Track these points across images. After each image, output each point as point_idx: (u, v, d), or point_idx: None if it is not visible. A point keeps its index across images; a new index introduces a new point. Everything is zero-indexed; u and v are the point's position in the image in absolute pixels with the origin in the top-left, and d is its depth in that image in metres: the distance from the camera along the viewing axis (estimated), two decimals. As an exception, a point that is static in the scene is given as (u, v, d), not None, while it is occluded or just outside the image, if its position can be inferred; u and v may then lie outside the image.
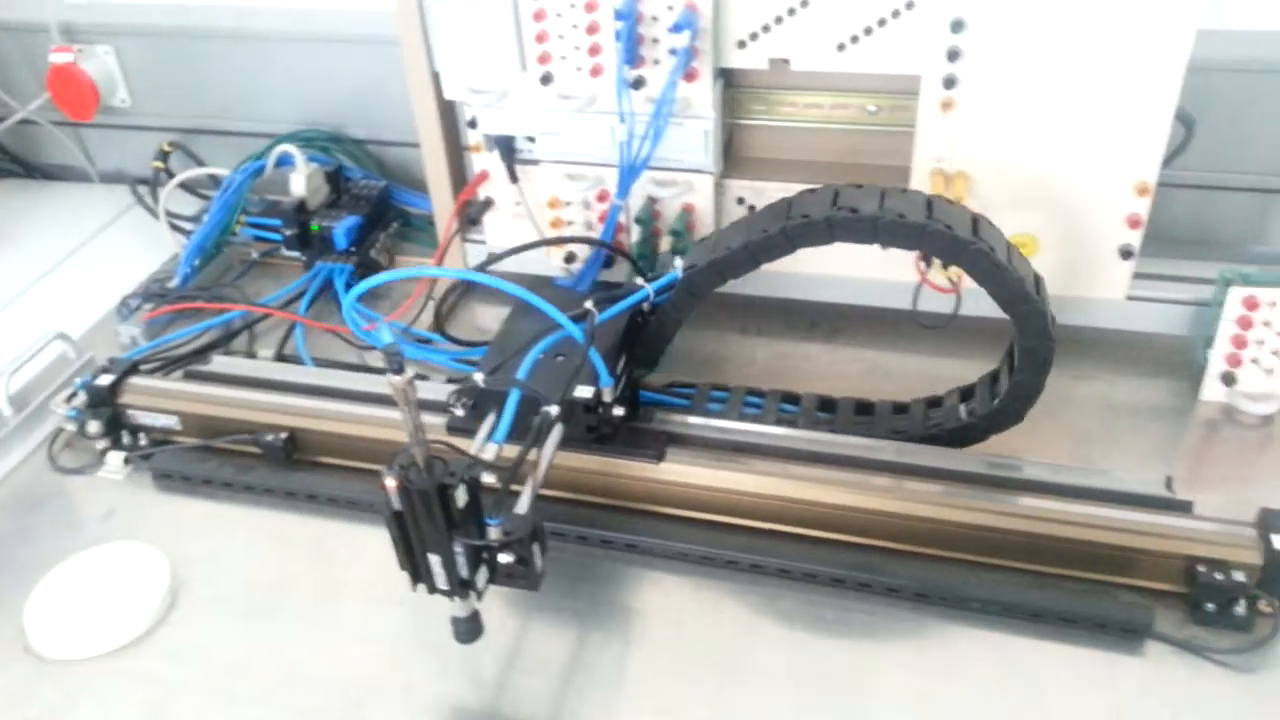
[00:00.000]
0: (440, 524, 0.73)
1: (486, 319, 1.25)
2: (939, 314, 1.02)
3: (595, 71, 1.04)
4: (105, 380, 1.04)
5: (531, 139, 1.12)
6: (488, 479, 0.76)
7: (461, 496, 0.73)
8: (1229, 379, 1.00)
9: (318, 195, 1.27)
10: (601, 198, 1.11)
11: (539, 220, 1.15)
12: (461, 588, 0.76)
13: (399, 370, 0.67)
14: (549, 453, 0.85)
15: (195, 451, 1.03)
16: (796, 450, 0.93)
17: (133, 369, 1.07)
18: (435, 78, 1.11)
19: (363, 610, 0.88)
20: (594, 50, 1.02)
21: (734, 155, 1.13)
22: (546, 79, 1.05)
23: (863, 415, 1.00)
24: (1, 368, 1.08)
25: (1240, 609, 0.80)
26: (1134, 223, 0.99)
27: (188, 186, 1.40)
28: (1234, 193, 1.19)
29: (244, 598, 0.90)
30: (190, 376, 1.09)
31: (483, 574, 0.76)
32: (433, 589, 0.77)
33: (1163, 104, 0.93)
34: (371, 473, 0.97)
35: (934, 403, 0.99)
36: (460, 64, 1.07)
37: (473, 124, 1.12)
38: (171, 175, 1.39)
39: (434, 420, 0.93)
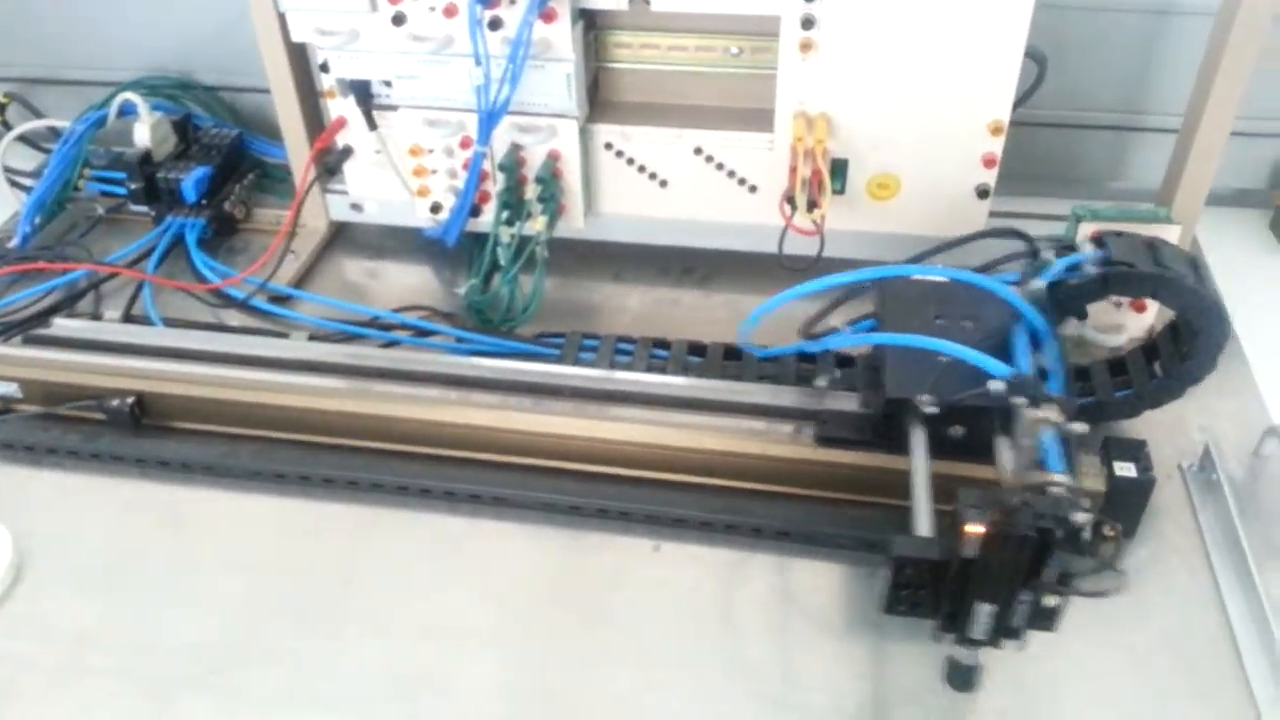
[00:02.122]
0: (1023, 571, 0.65)
1: (354, 273, 1.21)
2: (804, 256, 1.03)
3: (449, 11, 1.00)
4: (-63, 348, 0.98)
5: (388, 83, 1.07)
6: (1080, 518, 0.66)
7: (1059, 540, 0.64)
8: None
9: (164, 146, 1.20)
10: (464, 144, 1.08)
11: (401, 169, 1.12)
12: (1004, 637, 0.68)
13: (1035, 403, 0.56)
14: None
15: (38, 420, 0.97)
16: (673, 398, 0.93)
17: (-33, 335, 1.01)
18: (282, 18, 1.05)
19: (217, 578, 0.86)
20: (447, -12, 0.99)
21: (600, 99, 1.11)
22: (399, 19, 1.01)
23: (731, 360, 1.00)
24: None
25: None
26: (989, 162, 1.00)
27: (27, 140, 1.32)
28: (1091, 130, 1.22)
29: (93, 569, 0.87)
30: (31, 341, 1.04)
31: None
32: (963, 638, 0.69)
33: (1012, 42, 0.93)
34: (225, 435, 0.95)
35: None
36: (307, 3, 1.02)
37: (324, 68, 1.07)
38: (9, 128, 1.30)
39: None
